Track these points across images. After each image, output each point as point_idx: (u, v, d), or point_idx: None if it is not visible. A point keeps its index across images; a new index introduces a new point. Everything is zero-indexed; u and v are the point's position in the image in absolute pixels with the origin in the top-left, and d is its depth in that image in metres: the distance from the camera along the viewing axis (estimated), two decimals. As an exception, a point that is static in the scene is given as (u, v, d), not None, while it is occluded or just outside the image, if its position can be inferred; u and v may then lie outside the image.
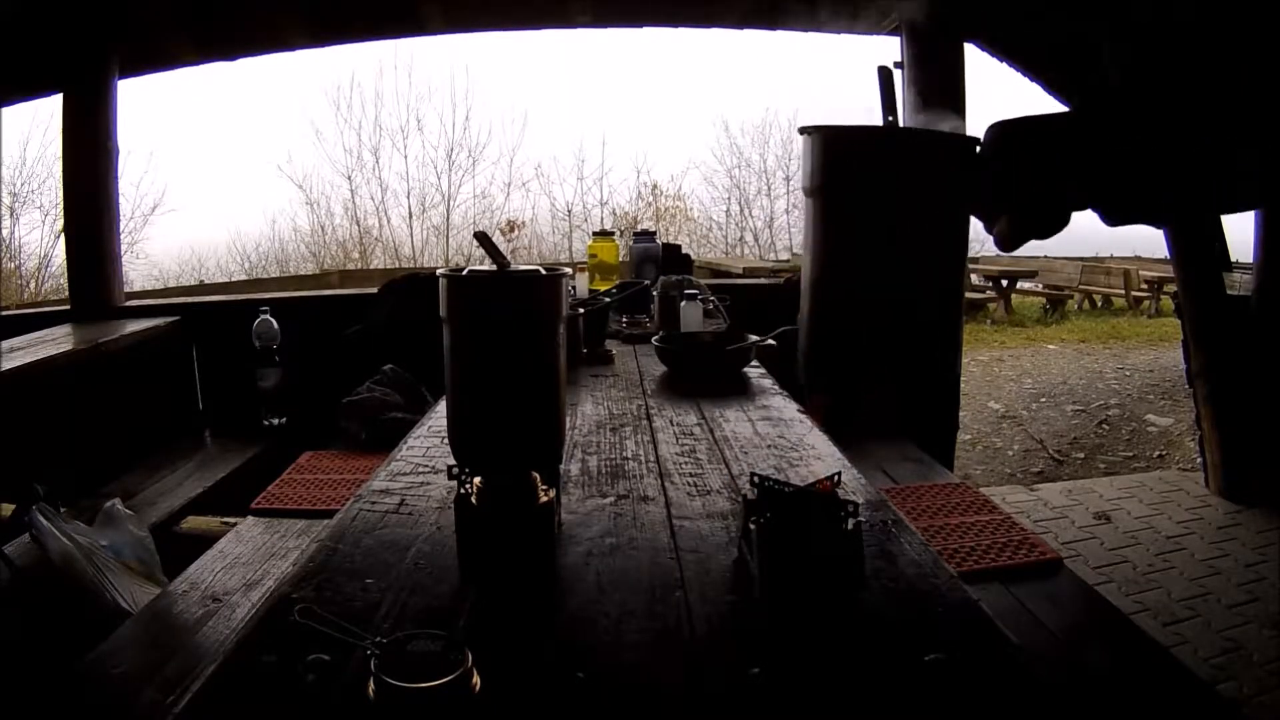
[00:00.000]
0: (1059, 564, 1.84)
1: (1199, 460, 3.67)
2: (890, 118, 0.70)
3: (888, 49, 3.38)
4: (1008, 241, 0.64)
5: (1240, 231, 3.30)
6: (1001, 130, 0.62)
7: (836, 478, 0.87)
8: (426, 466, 1.20)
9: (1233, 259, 3.13)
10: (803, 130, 0.72)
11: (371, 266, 11.67)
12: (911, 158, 0.68)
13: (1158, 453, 4.48)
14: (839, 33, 3.64)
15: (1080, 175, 0.59)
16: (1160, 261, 9.70)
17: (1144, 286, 10.15)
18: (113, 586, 1.77)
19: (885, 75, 0.71)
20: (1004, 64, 3.29)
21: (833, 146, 0.72)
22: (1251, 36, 0.56)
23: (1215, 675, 2.16)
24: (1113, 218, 0.60)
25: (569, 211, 12.83)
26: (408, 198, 12.76)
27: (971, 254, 11.37)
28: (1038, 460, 4.46)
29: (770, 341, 1.84)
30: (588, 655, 0.71)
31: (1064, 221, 0.62)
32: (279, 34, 3.44)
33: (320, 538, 0.96)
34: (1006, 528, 1.97)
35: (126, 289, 3.50)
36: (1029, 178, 0.61)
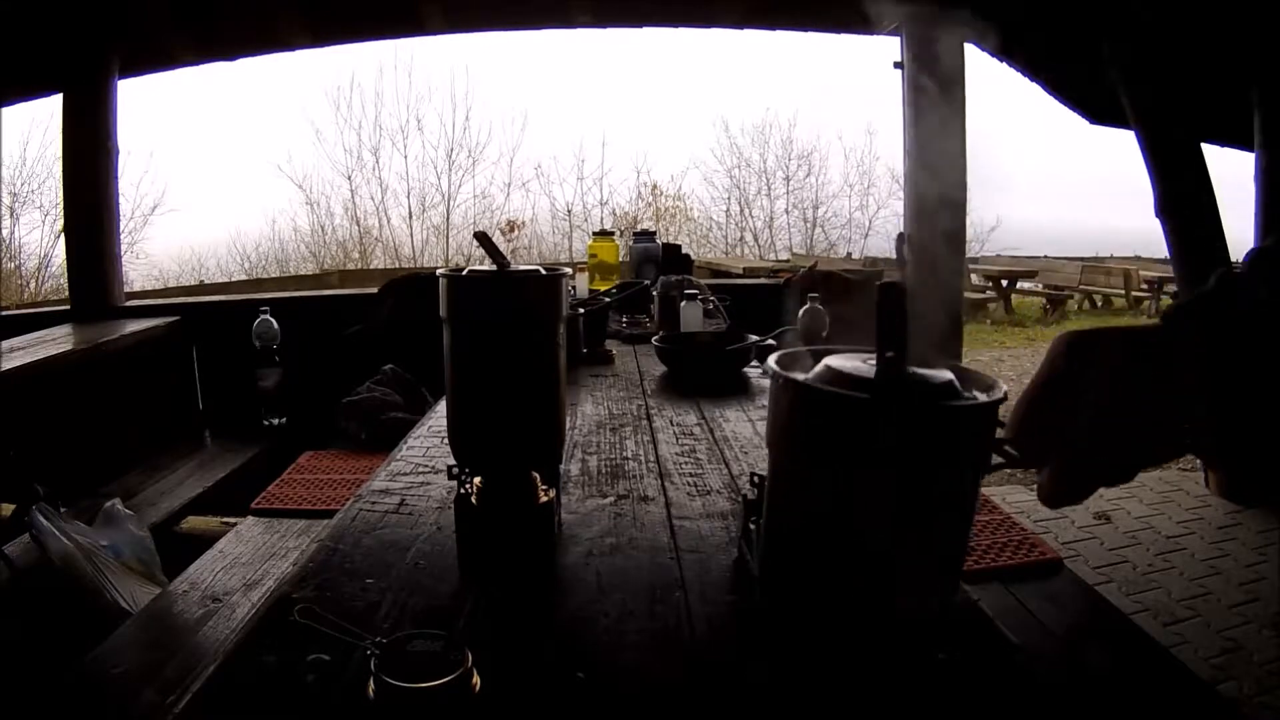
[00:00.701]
0: (1059, 564, 1.83)
1: (1199, 460, 3.67)
2: (891, 352, 0.53)
3: (888, 49, 3.39)
4: (1056, 496, 0.50)
5: (1240, 231, 3.29)
6: (1070, 345, 0.49)
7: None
8: (426, 466, 1.20)
9: (1233, 259, 3.13)
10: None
11: (371, 266, 11.68)
12: (930, 438, 0.53)
13: (1158, 453, 4.48)
14: (839, 32, 3.64)
15: (1185, 418, 0.47)
16: (1160, 261, 9.70)
17: (1144, 286, 10.14)
18: (113, 586, 1.77)
19: (890, 300, 0.52)
20: (1004, 64, 3.29)
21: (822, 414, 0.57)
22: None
23: (1215, 675, 2.16)
24: (1236, 473, 0.52)
25: (569, 211, 12.84)
26: (408, 198, 12.77)
27: (970, 254, 11.33)
28: (1038, 460, 4.45)
29: (770, 341, 1.84)
30: (588, 655, 0.71)
31: (1137, 471, 0.49)
32: (279, 34, 3.44)
33: (320, 538, 0.96)
34: (1006, 528, 1.96)
35: (126, 289, 3.50)
36: (1104, 412, 0.48)
